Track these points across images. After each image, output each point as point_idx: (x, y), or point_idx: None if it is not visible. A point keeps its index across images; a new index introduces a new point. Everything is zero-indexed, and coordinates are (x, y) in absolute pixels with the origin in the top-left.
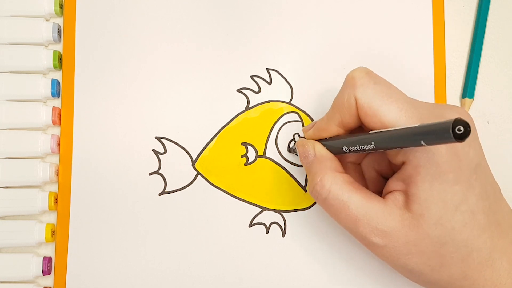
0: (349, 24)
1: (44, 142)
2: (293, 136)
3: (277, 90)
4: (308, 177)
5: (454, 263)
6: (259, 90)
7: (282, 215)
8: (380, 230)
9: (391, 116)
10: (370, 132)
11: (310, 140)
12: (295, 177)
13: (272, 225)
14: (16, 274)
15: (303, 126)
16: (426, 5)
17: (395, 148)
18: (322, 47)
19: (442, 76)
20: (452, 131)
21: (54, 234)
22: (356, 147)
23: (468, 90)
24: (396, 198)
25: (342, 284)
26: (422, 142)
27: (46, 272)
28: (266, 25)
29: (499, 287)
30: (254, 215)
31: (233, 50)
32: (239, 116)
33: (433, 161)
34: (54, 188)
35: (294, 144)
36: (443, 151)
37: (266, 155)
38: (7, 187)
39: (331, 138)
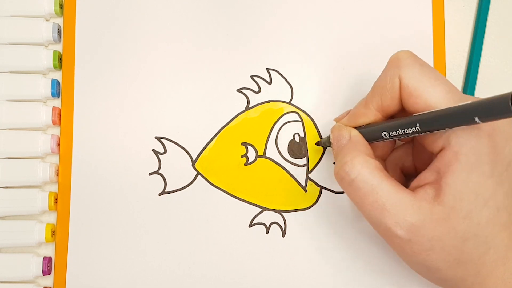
0: (349, 24)
1: (44, 142)
2: (293, 136)
3: (277, 90)
4: (336, 160)
5: (471, 260)
6: (259, 90)
7: (282, 215)
8: (408, 222)
9: (438, 97)
10: (414, 115)
11: (347, 126)
12: (295, 177)
13: (272, 225)
14: (16, 274)
15: (303, 126)
16: (426, 5)
17: (443, 129)
18: (322, 47)
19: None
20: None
21: (54, 234)
22: (397, 132)
23: (468, 90)
24: (426, 192)
25: (342, 284)
26: (477, 119)
27: (46, 272)
28: (266, 25)
29: (509, 286)
30: (254, 215)
31: (233, 50)
32: (239, 116)
33: (475, 149)
34: (54, 188)
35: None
36: (485, 141)
37: (266, 155)
38: (7, 187)
39: (367, 125)
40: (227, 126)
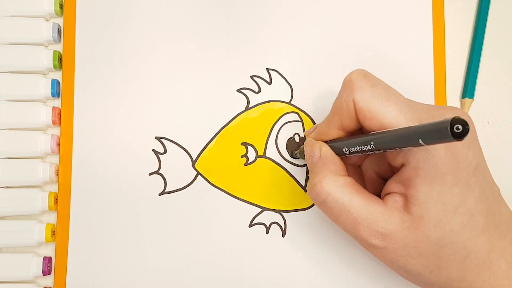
0: (349, 24)
1: (44, 142)
2: (293, 136)
3: (277, 90)
4: (310, 177)
5: (452, 265)
6: (259, 90)
7: (282, 215)
8: (380, 232)
9: (390, 118)
10: (370, 133)
11: (318, 141)
12: (295, 177)
13: (272, 225)
14: (16, 274)
15: (303, 126)
16: (426, 5)
17: (394, 149)
18: (322, 47)
19: (442, 76)
20: (451, 130)
21: (54, 234)
22: (356, 148)
23: (468, 90)
24: (395, 200)
25: (342, 284)
26: (421, 142)
27: (46, 272)
28: (266, 25)
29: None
30: (254, 215)
31: (233, 50)
32: (239, 116)
33: (432, 163)
34: (54, 188)
35: (297, 150)
36: (442, 152)
37: (266, 155)
38: (7, 187)
39: (333, 140)
40: (227, 126)
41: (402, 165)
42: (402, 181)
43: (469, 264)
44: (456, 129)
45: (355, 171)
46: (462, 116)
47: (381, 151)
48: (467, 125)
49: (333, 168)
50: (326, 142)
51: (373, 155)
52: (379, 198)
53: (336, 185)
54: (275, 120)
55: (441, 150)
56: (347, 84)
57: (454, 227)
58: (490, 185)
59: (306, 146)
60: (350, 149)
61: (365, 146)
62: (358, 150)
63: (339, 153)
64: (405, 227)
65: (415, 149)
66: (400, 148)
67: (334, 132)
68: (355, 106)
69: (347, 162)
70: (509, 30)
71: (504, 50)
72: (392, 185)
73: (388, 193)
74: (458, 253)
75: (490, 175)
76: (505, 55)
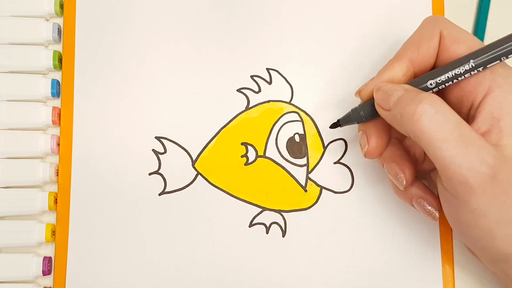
0: (349, 24)
1: (44, 142)
2: (294, 135)
3: (277, 90)
4: (398, 107)
5: None
6: (259, 90)
7: (282, 215)
8: (492, 158)
9: (479, 43)
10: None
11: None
12: (295, 177)
13: (272, 225)
14: (16, 274)
15: (303, 126)
16: (426, 5)
17: (499, 60)
18: (322, 47)
19: None
20: None
21: (54, 234)
22: (447, 75)
23: None
24: (490, 137)
25: (342, 284)
26: None
27: (46, 272)
28: (266, 25)
29: None
30: (254, 215)
31: (233, 50)
32: (239, 116)
33: None
34: (54, 188)
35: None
36: None
37: (266, 155)
38: (7, 187)
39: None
40: (227, 126)
41: (486, 95)
42: (492, 112)
43: None
44: None
45: (400, 147)
46: None
47: (480, 69)
48: None
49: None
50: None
51: (393, 145)
52: None
53: (445, 103)
54: (275, 120)
55: None
56: (431, 19)
57: None
58: None
59: (381, 89)
60: (438, 79)
61: (461, 67)
62: (450, 77)
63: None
64: (507, 161)
65: (505, 73)
66: (506, 57)
67: (405, 66)
68: (441, 34)
69: (393, 135)
70: (509, 30)
71: None
72: (478, 125)
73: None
74: None
75: None
76: None
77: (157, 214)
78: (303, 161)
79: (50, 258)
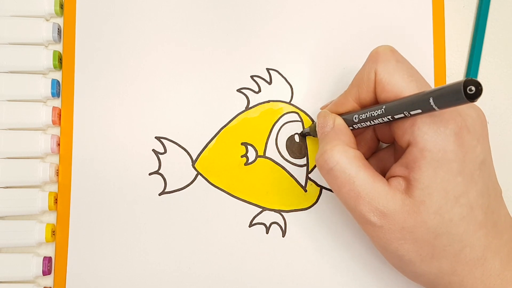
0: (349, 24)
1: (44, 142)
2: (293, 135)
3: (277, 90)
4: (319, 146)
5: (445, 256)
6: (259, 90)
7: (282, 215)
8: (380, 210)
9: (408, 92)
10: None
11: (332, 113)
12: (295, 177)
13: (272, 225)
14: (16, 274)
15: (303, 126)
16: (426, 5)
17: (403, 114)
18: (322, 47)
19: (442, 76)
20: (464, 91)
21: (54, 234)
22: (365, 115)
23: None
24: (399, 183)
25: (342, 284)
26: (432, 103)
27: (46, 272)
28: (266, 25)
29: (488, 287)
30: (254, 215)
31: (233, 50)
32: (239, 116)
33: (440, 146)
34: (54, 188)
35: (312, 125)
36: (451, 139)
37: (266, 155)
38: (7, 187)
39: (346, 113)
40: (227, 126)
41: (408, 146)
42: (407, 163)
43: (462, 258)
44: (469, 91)
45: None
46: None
47: (390, 118)
48: (480, 86)
49: (344, 139)
50: (339, 115)
51: (385, 150)
52: (383, 178)
53: (345, 155)
54: (275, 120)
55: (450, 136)
56: (373, 56)
57: (453, 217)
58: (493, 183)
59: (320, 117)
60: (360, 115)
61: (375, 112)
62: (368, 116)
63: (349, 123)
64: (405, 210)
65: (425, 128)
66: (409, 112)
67: (350, 104)
68: (376, 77)
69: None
70: (509, 30)
71: (504, 50)
72: (396, 168)
73: (392, 176)
74: (453, 245)
75: (495, 175)
76: (505, 55)
77: (157, 214)
78: (303, 161)
79: (50, 258)
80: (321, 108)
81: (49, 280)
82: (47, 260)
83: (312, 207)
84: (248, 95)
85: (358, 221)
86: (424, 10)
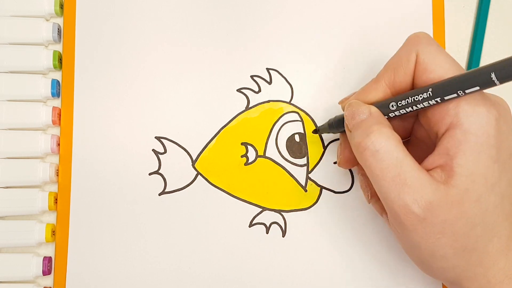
0: (349, 24)
1: (44, 142)
2: (293, 135)
3: (277, 90)
4: (354, 133)
5: (476, 248)
6: (259, 90)
7: (282, 215)
8: (426, 200)
9: (452, 73)
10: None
11: (364, 103)
12: (295, 177)
13: (272, 225)
14: (16, 274)
15: (303, 125)
16: (426, 5)
17: (457, 94)
18: (322, 47)
19: None
20: None
21: (54, 234)
22: (406, 101)
23: None
24: (439, 175)
25: (342, 284)
26: (493, 77)
27: (46, 272)
28: (266, 25)
29: (510, 277)
30: (254, 215)
31: (233, 50)
32: (239, 116)
33: (484, 130)
34: (54, 188)
35: (326, 123)
36: (493, 123)
37: (266, 155)
38: (7, 187)
39: (375, 103)
40: (227, 126)
41: (447, 130)
42: (448, 149)
43: (490, 248)
44: None
45: None
46: None
47: (439, 100)
48: None
49: (387, 124)
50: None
51: (405, 124)
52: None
53: (393, 138)
54: (275, 120)
55: (493, 121)
56: (412, 39)
57: (488, 206)
58: None
59: (351, 106)
60: (399, 102)
61: (419, 96)
62: (409, 102)
63: (384, 112)
64: (449, 201)
65: (469, 109)
66: (465, 90)
67: (382, 89)
68: (417, 59)
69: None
70: (509, 30)
71: (504, 50)
72: (434, 158)
73: (429, 169)
74: (486, 235)
75: None
76: (505, 55)
77: (157, 214)
78: (303, 161)
79: (50, 258)
80: (340, 102)
81: (49, 280)
82: (47, 260)
83: (312, 207)
84: (248, 95)
85: (399, 211)
86: (424, 10)
